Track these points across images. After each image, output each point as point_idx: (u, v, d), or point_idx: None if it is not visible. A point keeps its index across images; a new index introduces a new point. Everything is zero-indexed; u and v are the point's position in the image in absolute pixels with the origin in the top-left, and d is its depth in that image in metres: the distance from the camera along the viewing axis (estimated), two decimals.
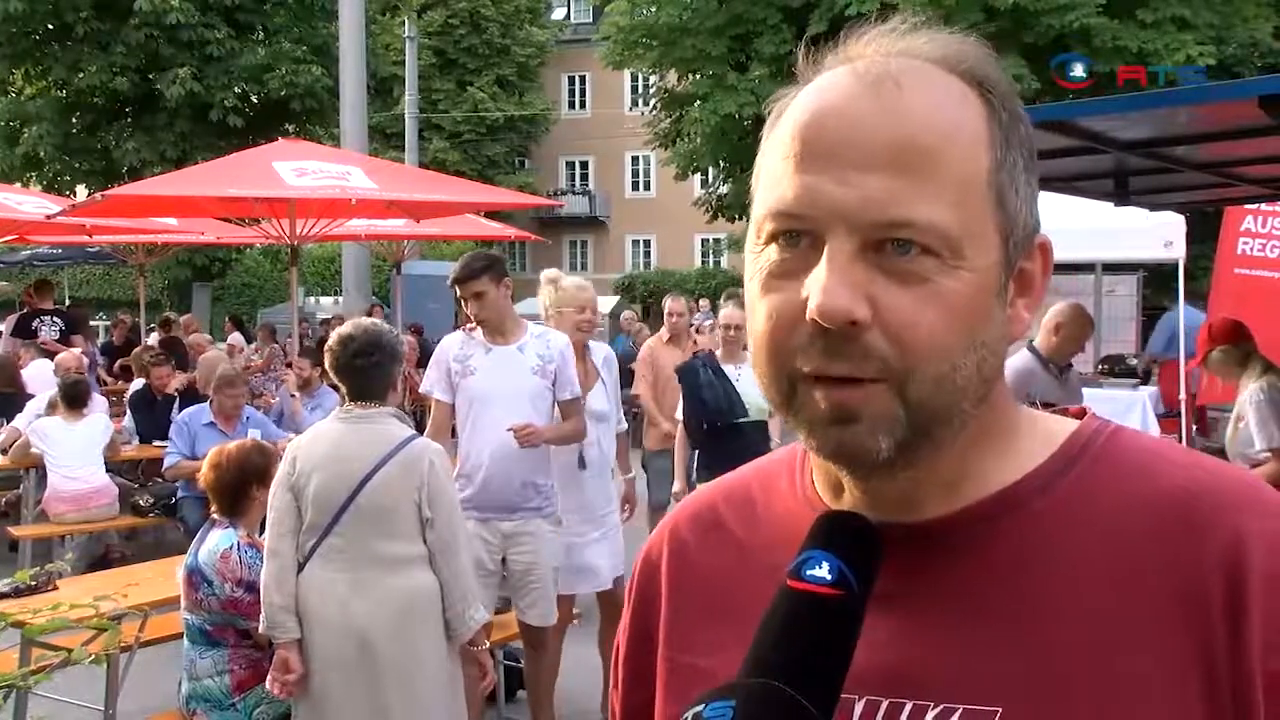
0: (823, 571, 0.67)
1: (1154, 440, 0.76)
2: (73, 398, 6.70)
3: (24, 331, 10.00)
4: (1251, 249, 8.14)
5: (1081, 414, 0.78)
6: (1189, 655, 0.65)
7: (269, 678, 3.26)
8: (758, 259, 0.71)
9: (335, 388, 9.29)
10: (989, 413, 0.72)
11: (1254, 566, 0.65)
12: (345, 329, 3.36)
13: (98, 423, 6.76)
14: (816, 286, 0.66)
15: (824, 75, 0.71)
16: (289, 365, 8.23)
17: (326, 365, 3.41)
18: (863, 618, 0.67)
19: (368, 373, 3.29)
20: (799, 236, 0.68)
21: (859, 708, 0.71)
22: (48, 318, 10.17)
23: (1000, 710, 0.67)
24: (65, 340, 9.85)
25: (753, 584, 0.70)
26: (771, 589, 0.68)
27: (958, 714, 0.68)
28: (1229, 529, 0.67)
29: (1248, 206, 7.65)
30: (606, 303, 18.25)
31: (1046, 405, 0.83)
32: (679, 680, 0.80)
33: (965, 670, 0.69)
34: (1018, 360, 4.69)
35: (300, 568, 3.25)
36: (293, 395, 7.62)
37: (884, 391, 0.67)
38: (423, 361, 12.23)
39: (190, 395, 7.56)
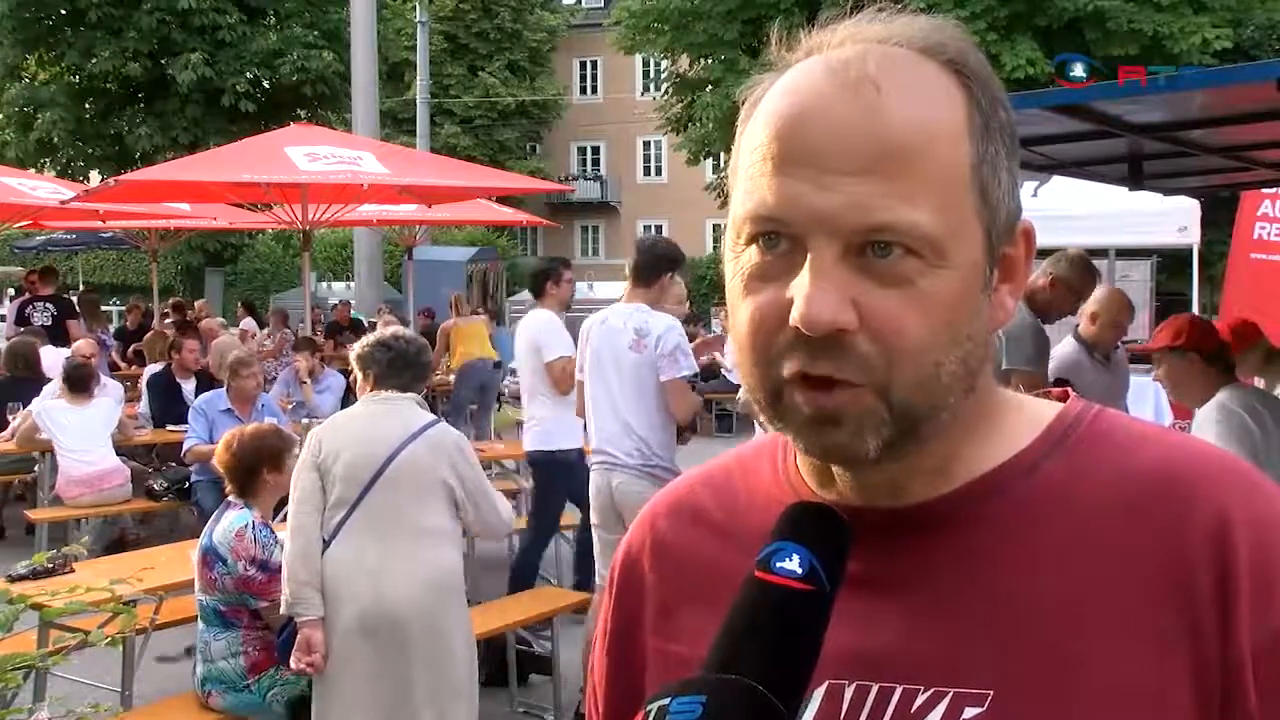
0: (793, 564, 0.66)
1: (1137, 422, 0.76)
2: (75, 381, 6.73)
3: (20, 319, 10.06)
4: (1269, 234, 8.07)
5: (1065, 396, 0.78)
6: (1177, 634, 0.65)
7: (292, 657, 3.26)
8: (738, 259, 0.70)
9: (344, 372, 9.26)
10: (975, 399, 0.72)
11: (1240, 546, 0.66)
12: (385, 334, 3.55)
13: (104, 406, 6.80)
14: (800, 294, 0.65)
15: (799, 68, 0.70)
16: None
17: (356, 355, 3.50)
18: (830, 612, 0.66)
19: (399, 373, 3.45)
20: (779, 238, 0.67)
21: (849, 693, 0.71)
22: (40, 304, 10.20)
23: (991, 693, 0.67)
24: (60, 325, 9.89)
25: (736, 571, 0.69)
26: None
27: (948, 698, 0.68)
28: (1214, 509, 0.67)
29: (1264, 191, 7.59)
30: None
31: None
32: (667, 669, 0.80)
33: (955, 654, 0.69)
34: (1064, 349, 4.58)
35: (325, 546, 3.28)
36: (303, 383, 7.70)
37: (869, 394, 0.66)
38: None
39: (206, 379, 7.62)
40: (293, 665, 3.28)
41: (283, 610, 3.32)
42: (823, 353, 0.66)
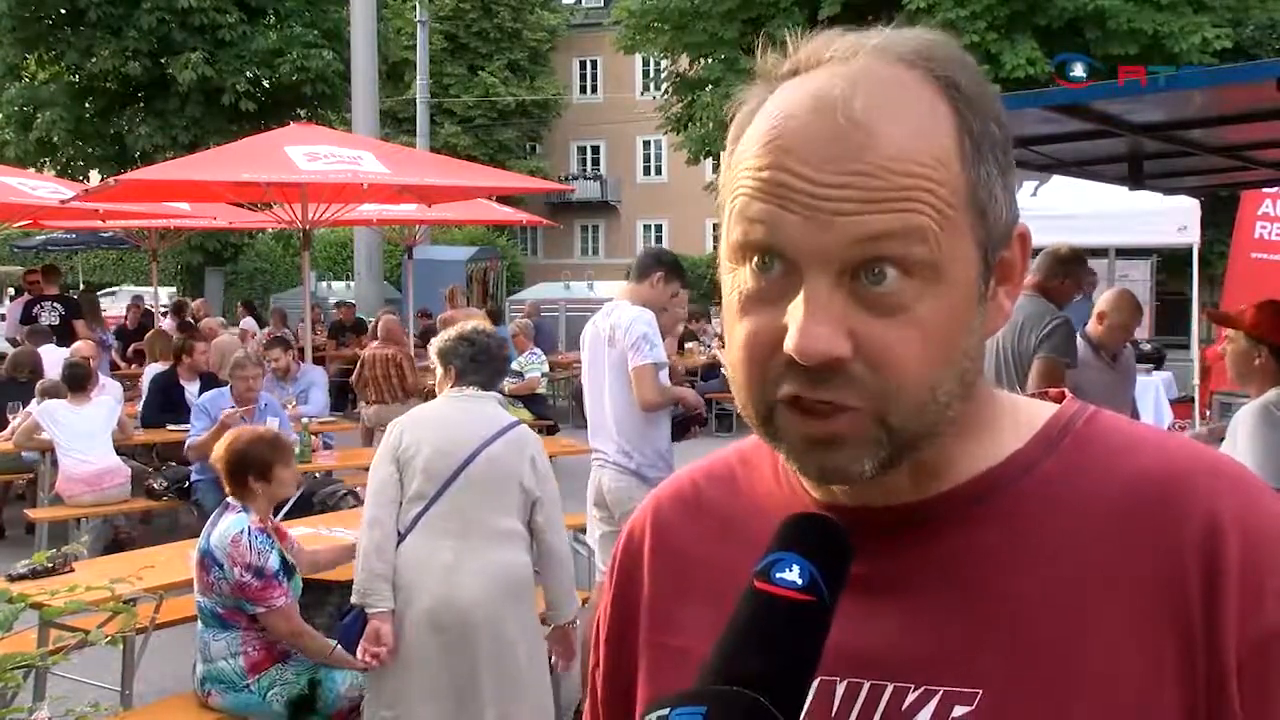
0: (793, 575, 0.66)
1: (1130, 423, 0.76)
2: (73, 380, 6.74)
3: (26, 319, 10.06)
4: (1269, 233, 8.08)
5: (1061, 396, 0.78)
6: (1168, 636, 0.66)
7: (359, 647, 3.24)
8: (733, 279, 0.70)
9: (345, 371, 9.18)
10: (970, 403, 0.72)
11: (1230, 548, 0.66)
12: (466, 328, 3.53)
13: (104, 405, 6.81)
14: (795, 324, 0.65)
15: (786, 94, 0.69)
16: (300, 350, 8.30)
17: (437, 349, 3.49)
18: (830, 623, 0.66)
19: (481, 368, 3.44)
20: (773, 261, 0.67)
21: (840, 690, 0.71)
22: (48, 304, 10.21)
23: (980, 692, 0.68)
24: (67, 325, 9.90)
25: (732, 566, 0.69)
26: (750, 573, 0.68)
27: (938, 696, 0.69)
28: (1205, 510, 0.67)
29: (1265, 190, 7.60)
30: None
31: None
32: (659, 661, 0.81)
33: (946, 652, 0.69)
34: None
35: (401, 538, 3.27)
36: (287, 397, 7.70)
37: (866, 418, 0.67)
38: (423, 346, 12.32)
39: (209, 379, 7.63)
40: (359, 656, 3.26)
41: (354, 599, 3.30)
42: (820, 380, 0.66)
